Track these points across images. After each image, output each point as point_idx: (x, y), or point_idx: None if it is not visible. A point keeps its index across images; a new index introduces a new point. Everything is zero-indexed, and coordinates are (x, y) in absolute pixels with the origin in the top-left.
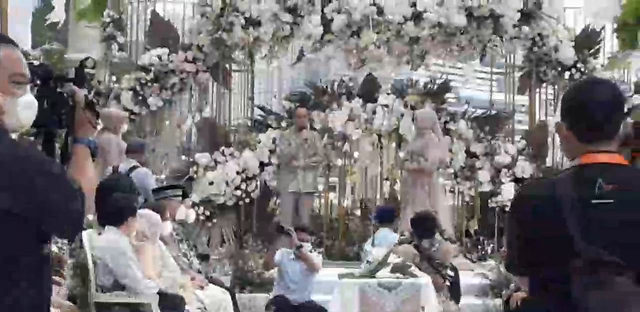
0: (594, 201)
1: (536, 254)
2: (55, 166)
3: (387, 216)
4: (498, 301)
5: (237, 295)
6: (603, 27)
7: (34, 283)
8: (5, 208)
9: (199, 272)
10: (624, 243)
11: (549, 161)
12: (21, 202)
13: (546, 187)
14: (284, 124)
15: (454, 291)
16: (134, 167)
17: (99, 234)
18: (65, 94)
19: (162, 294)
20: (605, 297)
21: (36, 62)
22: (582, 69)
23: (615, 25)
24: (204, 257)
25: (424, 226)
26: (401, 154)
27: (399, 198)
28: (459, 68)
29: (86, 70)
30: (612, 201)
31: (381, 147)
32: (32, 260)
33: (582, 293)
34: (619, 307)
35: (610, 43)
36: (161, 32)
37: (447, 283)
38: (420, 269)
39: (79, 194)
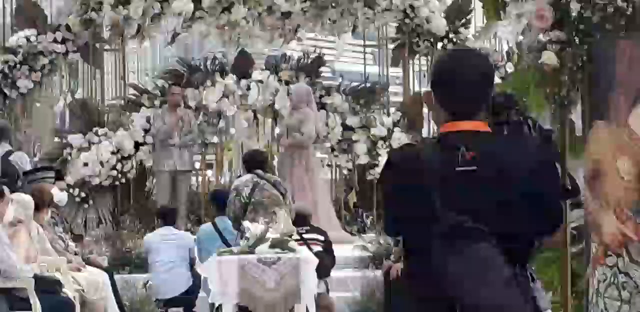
0: (456, 169)
1: (404, 219)
2: None
3: (221, 201)
4: (378, 273)
5: (115, 276)
6: None
7: None
8: None
9: (76, 254)
10: (485, 210)
11: (424, 132)
12: None
13: (412, 154)
14: (157, 102)
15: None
16: (9, 152)
17: None
18: None
19: (38, 278)
20: (464, 263)
21: None
22: (454, 40)
23: None
24: (78, 239)
25: (302, 220)
26: (277, 130)
27: (277, 174)
28: (332, 42)
29: None
30: (474, 168)
31: (257, 123)
32: None
33: (441, 259)
34: (477, 273)
35: (481, 13)
36: (28, 13)
37: None
38: None
39: None
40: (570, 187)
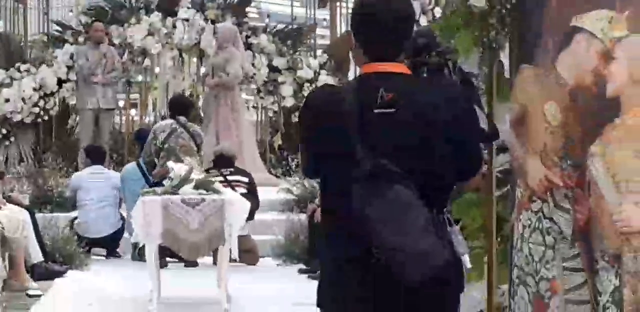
0: (375, 111)
1: (323, 161)
2: None
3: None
4: (303, 216)
5: (36, 214)
6: None
7: None
8: None
9: None
10: (404, 153)
11: (350, 75)
12: None
13: (331, 95)
14: (81, 39)
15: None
16: None
17: None
18: None
19: None
20: (384, 205)
21: None
22: None
23: None
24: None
25: (227, 161)
26: (203, 69)
27: (202, 114)
28: None
29: None
30: (393, 110)
31: (183, 62)
32: None
33: (362, 201)
34: (397, 216)
35: None
36: None
37: None
38: None
39: None
40: (491, 132)
